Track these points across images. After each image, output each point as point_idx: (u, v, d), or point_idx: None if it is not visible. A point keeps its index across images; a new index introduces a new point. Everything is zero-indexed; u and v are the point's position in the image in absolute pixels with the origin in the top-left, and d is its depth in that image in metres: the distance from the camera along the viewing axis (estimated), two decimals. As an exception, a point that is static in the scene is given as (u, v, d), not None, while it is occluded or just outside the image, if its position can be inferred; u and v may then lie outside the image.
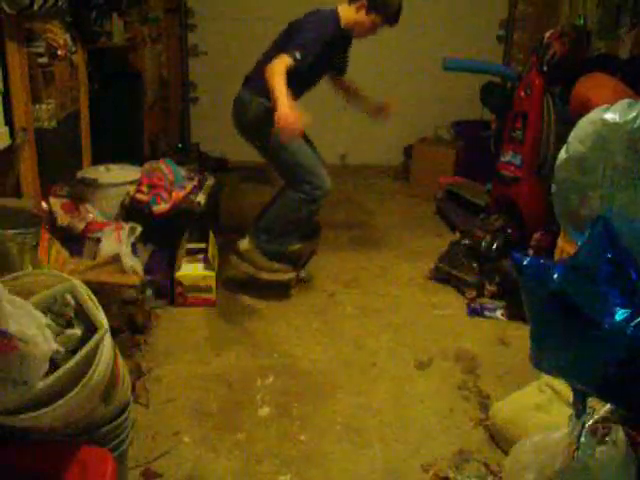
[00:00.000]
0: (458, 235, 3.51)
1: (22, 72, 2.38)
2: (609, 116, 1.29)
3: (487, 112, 4.29)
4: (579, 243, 1.37)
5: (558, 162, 1.41)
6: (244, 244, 2.96)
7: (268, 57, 2.82)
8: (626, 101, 1.31)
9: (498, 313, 2.91)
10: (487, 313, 2.92)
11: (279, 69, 2.61)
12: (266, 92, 2.66)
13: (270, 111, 2.59)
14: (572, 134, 1.38)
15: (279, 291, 3.04)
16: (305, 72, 2.75)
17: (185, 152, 4.83)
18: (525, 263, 1.35)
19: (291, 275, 3.07)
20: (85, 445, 1.44)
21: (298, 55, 2.66)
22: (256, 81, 2.87)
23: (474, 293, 3.08)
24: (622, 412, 1.43)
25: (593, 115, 1.34)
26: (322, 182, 2.86)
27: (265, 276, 2.99)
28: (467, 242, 3.31)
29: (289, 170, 2.92)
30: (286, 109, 2.49)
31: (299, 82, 2.76)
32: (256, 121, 2.88)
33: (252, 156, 5.31)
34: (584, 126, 1.36)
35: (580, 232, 1.37)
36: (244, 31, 5.04)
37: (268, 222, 2.98)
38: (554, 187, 1.43)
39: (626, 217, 1.27)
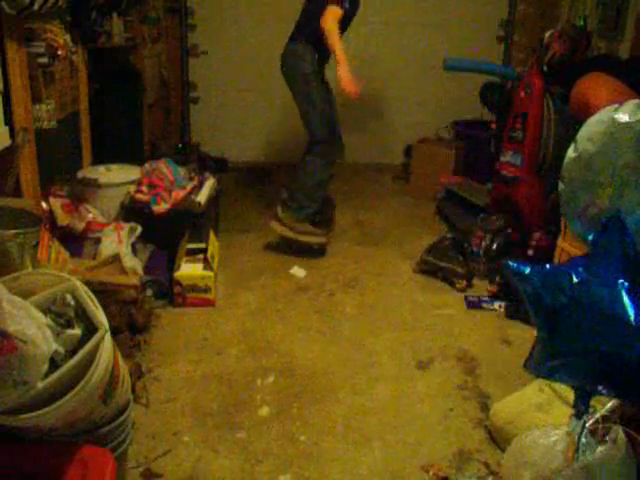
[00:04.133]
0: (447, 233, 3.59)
1: (22, 72, 2.38)
2: (619, 116, 1.31)
3: (487, 112, 4.29)
4: (588, 240, 1.37)
5: (566, 161, 1.41)
6: (279, 211, 3.38)
7: (314, 6, 3.13)
8: (635, 101, 1.32)
9: (496, 305, 2.95)
10: (485, 305, 2.96)
11: (334, 25, 2.99)
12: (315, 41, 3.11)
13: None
14: (580, 133, 1.39)
15: (314, 255, 3.44)
16: (347, 15, 3.11)
17: (185, 152, 4.82)
18: (528, 272, 1.35)
19: (325, 239, 3.47)
20: (85, 445, 1.44)
21: (347, 4, 3.03)
22: (307, 31, 3.20)
23: (464, 283, 3.12)
24: (624, 411, 1.43)
25: (602, 114, 1.35)
26: (334, 140, 3.33)
27: (303, 238, 3.39)
28: (451, 236, 3.42)
29: (310, 118, 3.28)
30: (348, 73, 3.00)
31: (341, 26, 3.09)
32: (309, 72, 3.22)
33: (252, 156, 5.36)
34: (593, 125, 1.36)
35: (588, 231, 1.38)
36: (244, 31, 5.05)
37: (296, 190, 3.38)
38: (561, 186, 1.43)
39: (636, 215, 1.28)
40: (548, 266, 1.36)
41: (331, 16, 3.01)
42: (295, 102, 3.35)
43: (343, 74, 3.01)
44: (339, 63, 3.01)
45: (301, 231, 3.39)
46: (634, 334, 1.18)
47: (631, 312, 1.20)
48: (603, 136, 1.33)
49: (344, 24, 3.16)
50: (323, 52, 3.21)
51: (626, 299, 1.21)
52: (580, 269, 1.30)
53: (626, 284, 1.22)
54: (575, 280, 1.29)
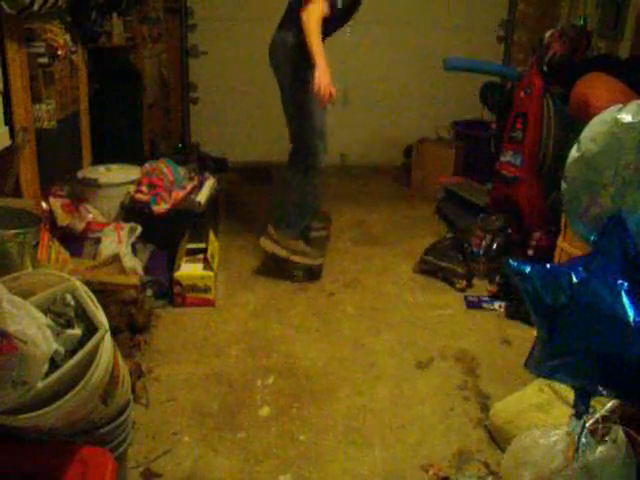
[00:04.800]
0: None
1: (22, 72, 2.38)
2: (622, 116, 1.31)
3: (487, 112, 4.29)
4: (590, 240, 1.38)
5: (569, 160, 1.41)
6: (272, 230, 3.08)
7: None
8: (639, 102, 1.32)
9: (496, 305, 2.95)
10: (485, 305, 2.96)
11: (313, 22, 2.56)
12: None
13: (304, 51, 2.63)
14: (584, 133, 1.39)
15: (310, 278, 3.16)
16: (339, 14, 2.73)
17: (185, 152, 4.82)
18: (528, 271, 1.35)
19: (321, 261, 3.16)
20: (85, 445, 1.44)
21: (339, 3, 2.65)
22: (294, 20, 2.75)
23: (464, 283, 3.13)
24: (625, 411, 1.43)
25: (606, 115, 1.35)
26: (322, 150, 2.97)
27: (297, 259, 3.08)
28: (451, 236, 3.43)
29: (300, 124, 2.95)
30: (326, 76, 2.55)
31: (333, 23, 2.78)
32: (296, 62, 2.80)
33: (252, 156, 5.36)
34: (596, 125, 1.36)
35: (590, 231, 1.38)
36: (244, 31, 5.05)
37: (285, 207, 3.10)
38: (564, 185, 1.43)
39: (637, 215, 1.28)
40: (549, 266, 1.36)
41: (312, 9, 2.61)
42: (282, 101, 3.01)
43: (322, 76, 2.57)
44: (318, 66, 2.58)
45: (295, 250, 3.08)
46: (634, 335, 1.18)
47: (631, 313, 1.19)
48: (606, 136, 1.32)
49: (335, 23, 2.87)
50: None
51: (626, 300, 1.21)
52: (580, 269, 1.30)
53: (626, 285, 1.22)
54: (575, 280, 1.29)
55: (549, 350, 1.36)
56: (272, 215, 3.19)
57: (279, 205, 3.16)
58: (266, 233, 3.13)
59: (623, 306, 1.20)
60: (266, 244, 3.12)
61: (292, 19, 2.82)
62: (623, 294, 1.21)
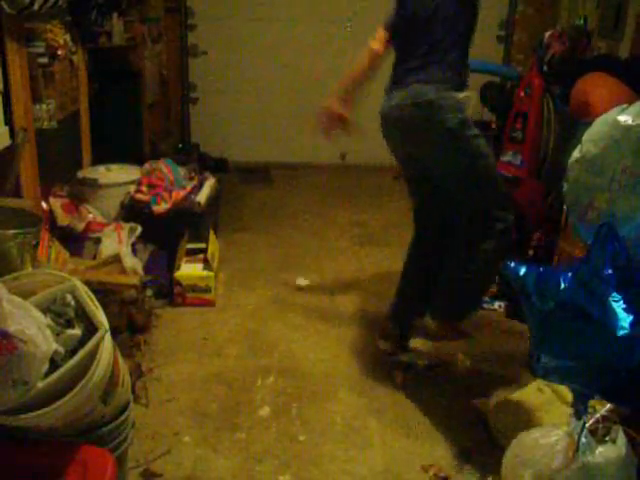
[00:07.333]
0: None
1: (22, 72, 2.38)
2: (622, 118, 1.28)
3: (487, 112, 4.28)
4: (588, 243, 1.36)
5: (571, 161, 1.39)
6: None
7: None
8: None
9: (496, 305, 2.94)
10: (485, 305, 2.95)
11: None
12: (452, 81, 2.23)
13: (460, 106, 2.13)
14: (586, 134, 1.37)
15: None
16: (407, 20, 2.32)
17: (185, 152, 4.82)
18: (522, 273, 1.34)
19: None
20: (85, 445, 1.44)
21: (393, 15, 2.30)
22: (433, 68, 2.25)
23: None
24: (624, 412, 1.43)
25: (607, 116, 1.33)
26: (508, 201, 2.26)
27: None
28: None
29: (483, 190, 2.19)
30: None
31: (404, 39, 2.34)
32: (452, 125, 2.15)
33: (252, 156, 5.35)
34: (598, 127, 1.34)
35: (588, 234, 1.37)
36: (244, 31, 5.04)
37: (466, 299, 2.35)
38: (566, 186, 1.42)
39: (631, 221, 1.26)
40: (542, 269, 1.35)
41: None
42: (439, 166, 2.30)
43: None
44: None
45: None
46: (621, 344, 1.16)
47: (619, 322, 1.17)
48: (605, 138, 1.30)
49: (408, 35, 2.35)
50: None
51: (613, 309, 1.18)
52: (569, 274, 1.28)
53: (615, 294, 1.20)
54: (562, 286, 1.27)
55: (540, 352, 1.36)
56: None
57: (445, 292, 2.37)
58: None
59: (613, 315, 1.18)
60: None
61: (431, 63, 2.22)
62: (611, 303, 1.19)
